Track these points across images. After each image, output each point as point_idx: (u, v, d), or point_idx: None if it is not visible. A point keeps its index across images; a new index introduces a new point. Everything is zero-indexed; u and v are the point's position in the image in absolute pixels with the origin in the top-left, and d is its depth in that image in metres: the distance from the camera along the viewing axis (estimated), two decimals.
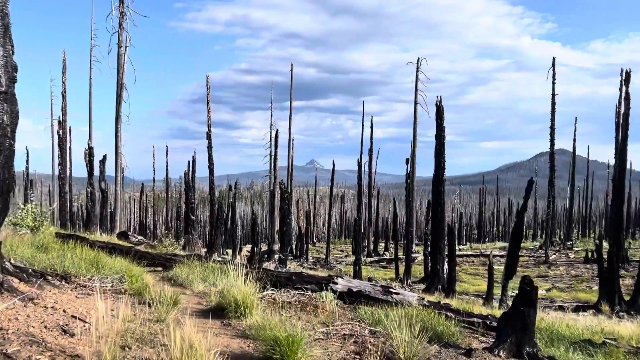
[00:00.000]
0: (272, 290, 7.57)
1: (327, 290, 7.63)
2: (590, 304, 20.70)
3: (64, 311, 4.48)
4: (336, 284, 7.99)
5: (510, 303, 16.68)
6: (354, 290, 7.96)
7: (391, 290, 8.20)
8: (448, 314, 7.56)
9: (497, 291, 20.29)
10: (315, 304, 7.17)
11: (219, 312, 5.71)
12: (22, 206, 11.82)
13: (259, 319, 5.00)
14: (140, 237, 16.44)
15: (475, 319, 7.84)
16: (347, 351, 4.94)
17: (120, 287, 6.25)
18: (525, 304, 6.03)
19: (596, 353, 6.77)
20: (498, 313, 10.68)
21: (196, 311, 5.85)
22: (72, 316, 4.37)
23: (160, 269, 9.23)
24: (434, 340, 5.83)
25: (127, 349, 3.80)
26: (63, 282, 5.61)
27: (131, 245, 12.85)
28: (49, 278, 5.38)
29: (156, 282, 7.32)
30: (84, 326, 3.92)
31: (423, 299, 8.24)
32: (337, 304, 7.32)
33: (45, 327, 4.00)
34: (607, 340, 7.53)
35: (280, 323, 4.41)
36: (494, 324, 7.58)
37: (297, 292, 7.69)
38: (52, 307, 4.51)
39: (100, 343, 3.53)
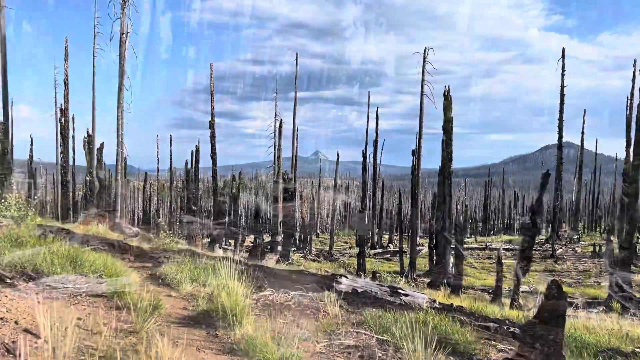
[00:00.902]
0: (269, 290, 6.92)
1: (330, 290, 6.99)
2: (600, 301, 20.06)
3: (16, 323, 3.80)
4: (340, 283, 7.35)
5: (522, 302, 16.05)
6: (359, 290, 7.32)
7: (399, 291, 7.54)
8: (462, 318, 6.89)
9: (505, 285, 19.64)
10: (316, 306, 6.53)
11: (207, 319, 5.00)
12: (8, 195, 11.21)
13: (250, 330, 4.33)
14: (135, 229, 15.84)
15: (491, 324, 7.16)
16: None
17: (98, 288, 5.58)
18: (552, 312, 5.36)
19: None
20: (512, 314, 10.00)
21: (180, 318, 5.16)
22: (25, 330, 3.69)
23: (150, 264, 8.57)
24: (449, 350, 5.19)
25: None
26: (29, 284, 4.95)
27: (122, 237, 12.22)
28: (7, 280, 4.73)
29: (142, 280, 6.65)
30: (37, 343, 3.26)
31: (434, 301, 7.57)
32: (341, 306, 6.67)
33: None
34: (637, 350, 6.85)
35: (273, 340, 3.73)
36: (512, 329, 6.93)
37: (297, 292, 7.05)
38: (0, 318, 3.84)
39: None
